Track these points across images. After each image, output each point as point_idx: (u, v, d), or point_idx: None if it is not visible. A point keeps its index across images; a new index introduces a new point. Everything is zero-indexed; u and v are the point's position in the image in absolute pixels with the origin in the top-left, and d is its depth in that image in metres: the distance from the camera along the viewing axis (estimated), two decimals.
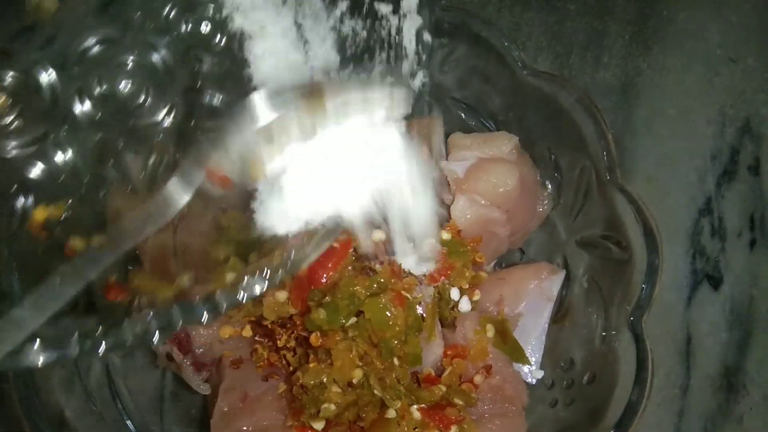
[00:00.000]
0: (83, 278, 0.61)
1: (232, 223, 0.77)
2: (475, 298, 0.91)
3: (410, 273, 0.84)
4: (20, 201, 0.72)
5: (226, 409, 0.83)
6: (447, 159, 0.95)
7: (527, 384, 0.91)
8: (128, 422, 0.88)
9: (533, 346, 0.92)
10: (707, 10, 1.29)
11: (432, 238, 0.82)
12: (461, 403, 0.82)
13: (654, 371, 0.79)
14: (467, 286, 0.89)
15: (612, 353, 0.84)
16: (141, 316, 0.61)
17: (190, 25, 0.78)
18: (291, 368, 0.85)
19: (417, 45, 0.67)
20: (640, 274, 0.83)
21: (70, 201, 0.75)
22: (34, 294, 0.59)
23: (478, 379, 0.86)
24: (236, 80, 0.78)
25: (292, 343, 0.84)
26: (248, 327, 0.87)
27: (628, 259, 0.85)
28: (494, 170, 0.91)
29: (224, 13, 0.77)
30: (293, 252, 0.65)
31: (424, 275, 0.85)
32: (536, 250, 1.02)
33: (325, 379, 0.78)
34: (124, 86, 0.76)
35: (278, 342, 0.84)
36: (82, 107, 0.75)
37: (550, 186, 0.97)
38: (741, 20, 1.29)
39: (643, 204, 0.84)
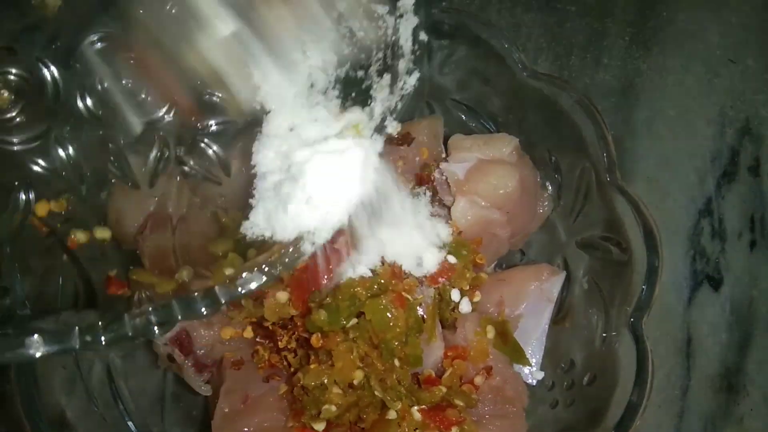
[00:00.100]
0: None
1: (231, 223, 0.77)
2: (476, 299, 0.91)
3: (411, 274, 0.85)
4: (22, 196, 0.73)
5: (227, 410, 0.83)
6: (447, 160, 0.95)
7: (528, 385, 0.91)
8: (129, 423, 0.89)
9: (534, 347, 0.92)
10: (707, 12, 1.29)
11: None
12: (462, 404, 0.82)
13: (654, 372, 0.79)
14: (468, 288, 0.89)
15: (612, 354, 0.84)
16: (141, 311, 0.61)
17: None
18: (292, 369, 0.85)
19: (414, 44, 0.67)
20: (640, 275, 0.83)
21: (71, 196, 0.75)
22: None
23: (478, 380, 0.86)
24: (237, 78, 0.79)
25: (293, 344, 0.84)
26: (249, 328, 0.87)
27: (628, 260, 0.85)
28: (494, 172, 0.91)
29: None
30: (291, 248, 0.65)
31: (425, 276, 0.85)
32: (536, 252, 1.03)
33: (326, 380, 0.78)
34: (126, 83, 0.77)
35: (279, 343, 0.84)
36: (84, 103, 0.75)
37: (550, 187, 0.98)
38: (740, 21, 1.29)
39: (643, 205, 0.84)
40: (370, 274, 0.81)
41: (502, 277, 0.96)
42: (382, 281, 0.80)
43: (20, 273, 0.71)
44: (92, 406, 0.85)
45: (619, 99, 1.23)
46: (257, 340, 0.88)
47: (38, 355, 0.58)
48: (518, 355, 0.90)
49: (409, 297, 0.82)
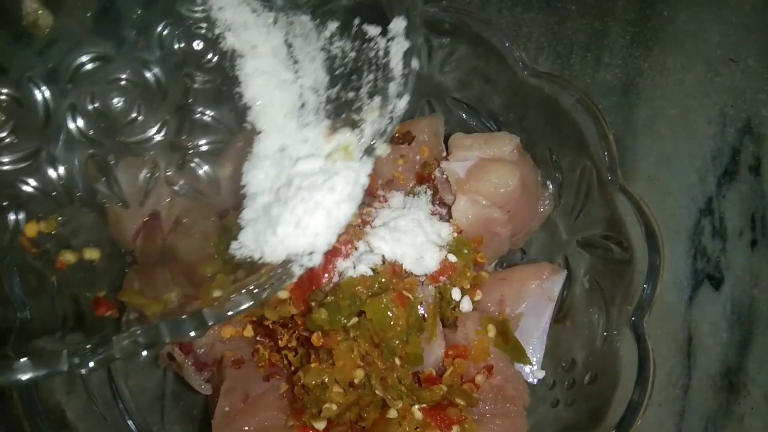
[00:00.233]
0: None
1: (219, 244, 0.77)
2: (477, 298, 0.91)
3: (411, 273, 0.84)
4: (11, 216, 0.72)
5: (227, 409, 0.83)
6: (448, 159, 0.95)
7: (528, 384, 0.91)
8: (129, 422, 0.88)
9: (534, 346, 0.92)
10: (708, 11, 1.29)
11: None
12: (462, 403, 0.82)
13: (655, 371, 0.79)
14: (468, 287, 0.89)
15: (613, 353, 0.84)
16: (129, 333, 0.61)
17: (182, 43, 0.78)
18: (292, 368, 0.85)
19: (404, 68, 0.67)
20: (641, 275, 0.83)
21: (60, 217, 0.75)
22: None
23: (479, 379, 0.85)
24: (227, 97, 0.79)
25: (294, 343, 0.84)
26: (249, 327, 0.87)
27: (629, 259, 0.85)
28: (495, 170, 0.91)
29: (216, 31, 0.77)
30: (279, 270, 0.65)
31: (426, 275, 0.85)
32: (537, 251, 1.03)
33: (326, 379, 0.78)
34: (117, 102, 0.77)
35: (280, 342, 0.84)
36: (74, 123, 0.75)
37: (551, 186, 0.98)
38: (741, 21, 1.29)
39: (644, 204, 0.84)
40: (371, 273, 0.81)
41: (503, 276, 0.96)
42: (383, 280, 0.80)
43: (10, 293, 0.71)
44: (92, 405, 0.84)
45: (620, 98, 1.23)
46: (257, 338, 0.88)
47: (25, 378, 0.58)
48: (519, 354, 0.90)
49: (410, 296, 0.82)
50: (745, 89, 1.25)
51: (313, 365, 0.79)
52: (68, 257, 0.75)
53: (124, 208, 0.81)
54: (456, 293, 0.88)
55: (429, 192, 0.94)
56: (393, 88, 0.67)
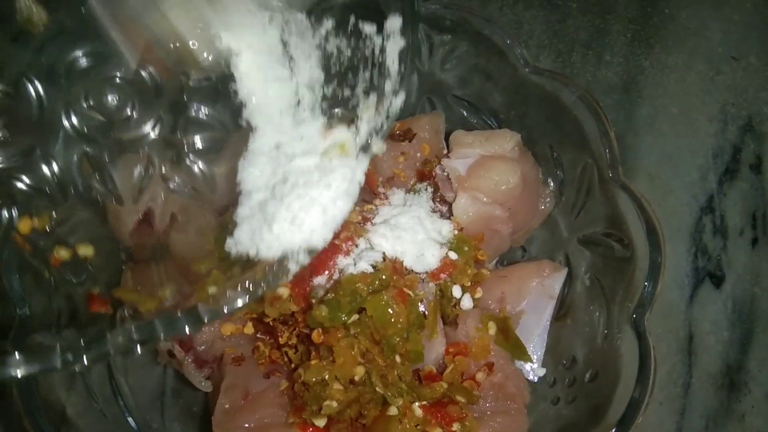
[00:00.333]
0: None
1: (215, 241, 0.77)
2: (477, 295, 0.91)
3: (412, 270, 0.84)
4: (5, 213, 0.72)
5: (227, 406, 0.83)
6: (449, 156, 0.94)
7: (529, 381, 0.91)
8: (129, 419, 0.88)
9: (535, 343, 0.92)
10: (709, 9, 1.29)
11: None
12: (463, 400, 0.82)
13: (656, 369, 0.79)
14: (469, 284, 0.89)
15: (614, 351, 0.84)
16: (123, 329, 0.61)
17: (177, 42, 0.78)
18: (293, 365, 0.85)
19: (400, 66, 0.67)
20: (642, 272, 0.83)
21: (55, 214, 0.75)
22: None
23: (480, 376, 0.85)
24: (223, 95, 0.78)
25: (294, 340, 0.84)
26: (250, 324, 0.87)
27: (630, 256, 0.85)
28: (496, 168, 0.91)
29: (211, 30, 0.77)
30: (275, 266, 0.64)
31: (426, 272, 0.85)
32: (538, 248, 1.02)
33: (326, 376, 0.78)
34: (111, 100, 0.76)
35: (280, 339, 0.84)
36: (69, 121, 0.75)
37: (552, 184, 0.97)
38: (743, 18, 1.29)
39: (646, 202, 0.84)
40: (372, 270, 0.81)
41: (504, 274, 0.96)
42: (384, 277, 0.80)
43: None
44: (92, 402, 0.84)
45: (621, 96, 1.23)
46: (258, 336, 0.88)
47: (20, 375, 0.58)
48: (520, 352, 0.90)
49: (411, 293, 0.82)
50: (747, 87, 1.25)
51: (313, 362, 0.79)
52: (62, 253, 0.75)
53: (118, 205, 0.81)
54: (457, 291, 0.88)
55: (430, 189, 0.94)
56: (389, 85, 0.67)
